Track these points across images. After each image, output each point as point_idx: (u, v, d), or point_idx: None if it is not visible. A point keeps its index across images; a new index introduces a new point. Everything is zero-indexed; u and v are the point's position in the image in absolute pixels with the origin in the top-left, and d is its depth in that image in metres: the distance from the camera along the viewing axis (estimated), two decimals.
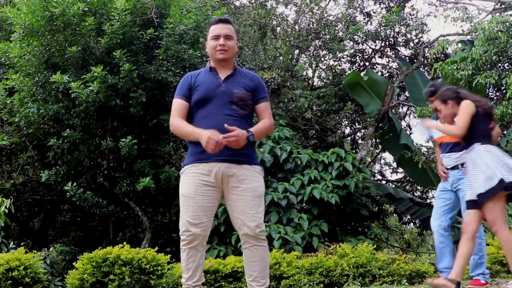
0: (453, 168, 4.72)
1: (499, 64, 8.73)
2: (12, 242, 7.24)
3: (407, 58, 12.75)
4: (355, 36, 11.88)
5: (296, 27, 11.58)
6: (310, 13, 11.58)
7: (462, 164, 4.38)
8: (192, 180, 3.24)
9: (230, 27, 3.46)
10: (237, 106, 3.31)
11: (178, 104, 3.39)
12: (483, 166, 3.79)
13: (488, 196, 3.73)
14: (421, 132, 4.45)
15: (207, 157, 3.21)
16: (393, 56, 12.85)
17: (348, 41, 12.19)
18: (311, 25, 11.66)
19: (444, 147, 4.83)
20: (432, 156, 9.73)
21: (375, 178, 14.23)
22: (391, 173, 15.35)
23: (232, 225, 3.35)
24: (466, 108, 3.97)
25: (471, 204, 3.86)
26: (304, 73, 12.70)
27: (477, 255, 4.61)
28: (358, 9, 12.90)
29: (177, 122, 3.34)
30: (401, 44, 12.64)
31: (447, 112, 4.15)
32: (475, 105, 3.98)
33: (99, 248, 6.02)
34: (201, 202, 3.21)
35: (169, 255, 6.18)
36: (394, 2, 12.87)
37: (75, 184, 8.02)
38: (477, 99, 4.11)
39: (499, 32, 7.94)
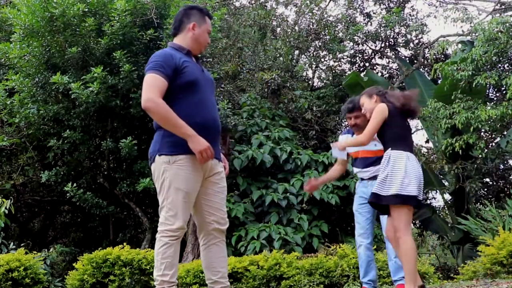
0: (370, 178, 4.64)
1: (499, 65, 8.74)
2: (12, 243, 7.24)
3: (407, 58, 12.76)
4: (355, 37, 11.90)
5: (296, 27, 11.59)
6: (310, 14, 11.58)
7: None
8: (192, 175, 3.09)
9: None
10: (213, 96, 3.38)
11: (160, 83, 3.05)
12: (397, 172, 3.75)
13: (396, 202, 3.65)
14: (337, 153, 4.57)
15: None
16: (393, 56, 12.86)
17: (348, 41, 12.20)
18: (311, 26, 11.66)
19: (361, 162, 4.74)
20: (432, 157, 9.74)
21: None
22: None
23: (199, 219, 3.25)
24: (376, 114, 3.83)
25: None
26: (304, 73, 12.71)
27: (396, 258, 4.44)
28: (358, 10, 12.91)
29: (165, 107, 3.00)
30: (401, 44, 12.65)
31: (370, 106, 3.99)
32: (389, 108, 3.82)
33: (99, 248, 6.02)
34: (194, 200, 3.17)
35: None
36: (394, 2, 12.88)
37: (75, 184, 8.02)
38: (397, 99, 3.91)
39: (499, 33, 7.94)
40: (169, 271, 3.03)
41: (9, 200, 6.42)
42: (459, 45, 9.65)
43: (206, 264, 3.24)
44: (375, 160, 4.63)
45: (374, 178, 4.49)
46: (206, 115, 3.14)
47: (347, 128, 5.24)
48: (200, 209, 3.23)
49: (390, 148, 3.79)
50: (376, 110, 3.85)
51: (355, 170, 4.87)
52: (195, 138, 2.98)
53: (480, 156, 9.08)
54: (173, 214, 3.06)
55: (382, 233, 8.32)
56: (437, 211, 12.58)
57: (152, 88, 3.07)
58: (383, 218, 4.59)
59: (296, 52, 12.11)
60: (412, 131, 4.13)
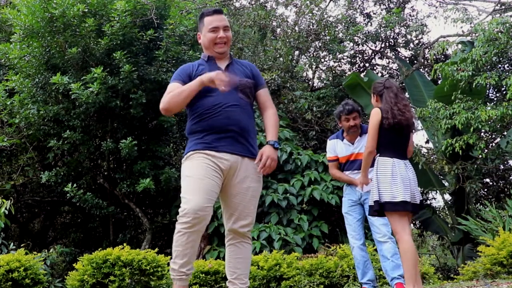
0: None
1: (499, 65, 8.74)
2: (12, 243, 7.23)
3: (407, 59, 12.77)
4: (355, 37, 11.90)
5: (296, 28, 11.58)
6: (310, 14, 11.58)
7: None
8: (201, 163, 3.07)
9: (226, 18, 3.36)
10: (243, 94, 3.22)
11: (175, 87, 3.20)
12: (383, 178, 3.76)
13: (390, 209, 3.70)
14: (366, 188, 4.24)
15: (216, 147, 3.11)
16: (393, 57, 12.86)
17: (348, 42, 12.20)
18: (311, 26, 11.66)
19: (352, 165, 4.81)
20: (432, 157, 9.73)
21: None
22: None
23: (223, 217, 3.25)
24: (371, 121, 3.89)
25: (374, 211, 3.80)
26: (304, 74, 12.72)
27: (397, 255, 4.48)
28: (358, 10, 12.92)
29: (168, 96, 3.17)
30: (401, 45, 12.66)
31: (373, 103, 4.11)
32: (382, 115, 3.86)
33: (99, 249, 6.01)
34: (209, 186, 3.03)
35: (169, 256, 6.17)
36: (394, 3, 12.88)
37: (75, 185, 8.02)
38: (391, 106, 3.93)
39: (499, 33, 7.94)
40: (179, 260, 3.00)
41: (9, 201, 6.43)
42: (459, 46, 9.65)
43: (226, 262, 3.26)
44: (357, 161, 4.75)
45: None
46: (217, 115, 3.12)
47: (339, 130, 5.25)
48: (223, 206, 3.23)
49: (378, 155, 3.82)
50: (371, 116, 3.91)
51: (346, 173, 4.90)
52: (204, 78, 3.04)
53: (480, 156, 9.08)
54: (185, 201, 3.03)
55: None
56: (437, 212, 12.59)
57: (165, 94, 3.24)
58: (372, 220, 4.60)
59: (296, 52, 12.12)
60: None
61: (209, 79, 3.00)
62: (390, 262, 4.52)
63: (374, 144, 3.88)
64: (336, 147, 5.00)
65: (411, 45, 12.64)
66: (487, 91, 9.94)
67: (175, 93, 3.15)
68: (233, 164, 3.14)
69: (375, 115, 3.90)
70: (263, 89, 3.37)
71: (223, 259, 6.66)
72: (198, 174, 3.05)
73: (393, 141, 3.88)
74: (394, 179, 3.71)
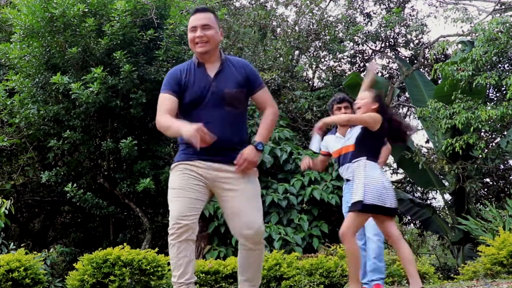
0: (348, 180, 4.57)
1: (499, 65, 8.74)
2: (12, 243, 7.23)
3: (407, 59, 12.77)
4: (355, 37, 11.90)
5: (296, 28, 11.58)
6: (310, 14, 11.58)
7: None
8: (182, 174, 3.10)
9: (208, 16, 3.17)
10: (231, 106, 3.10)
11: (167, 100, 3.10)
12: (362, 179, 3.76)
13: (355, 208, 3.72)
14: (314, 145, 4.08)
15: (198, 157, 3.08)
16: (393, 57, 12.86)
17: (348, 42, 12.20)
18: (311, 26, 11.66)
19: (345, 159, 4.68)
20: (432, 157, 9.74)
21: None
22: (391, 174, 15.34)
23: (230, 227, 3.16)
24: (370, 117, 3.85)
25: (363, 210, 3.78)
26: (304, 74, 12.72)
27: (381, 257, 4.45)
28: (358, 10, 12.92)
29: (162, 120, 3.09)
30: (401, 45, 12.66)
31: (368, 104, 3.93)
32: (382, 123, 3.83)
33: (99, 249, 6.01)
34: (191, 195, 3.05)
35: (169, 256, 6.17)
36: (394, 3, 12.88)
37: (75, 185, 8.02)
38: (390, 112, 4.02)
39: (499, 33, 7.94)
40: (176, 272, 3.02)
41: (9, 201, 6.43)
42: (459, 45, 9.65)
43: (238, 263, 3.25)
44: (345, 156, 4.64)
45: (348, 180, 4.51)
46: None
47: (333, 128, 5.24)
48: (226, 217, 3.18)
49: (365, 158, 3.82)
50: (372, 115, 3.86)
51: (340, 171, 4.83)
52: (183, 129, 2.88)
53: (480, 156, 9.08)
54: (171, 214, 3.09)
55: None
56: (437, 211, 12.58)
57: (158, 107, 3.14)
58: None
59: (296, 52, 12.11)
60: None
61: (187, 136, 2.87)
62: (372, 263, 4.50)
63: (376, 122, 3.84)
64: (329, 143, 4.94)
65: (411, 45, 12.64)
66: (487, 91, 9.93)
67: (164, 124, 3.08)
68: (217, 171, 3.10)
69: (376, 119, 3.85)
70: (260, 91, 3.24)
71: (223, 258, 6.67)
72: (179, 186, 3.10)
73: (380, 149, 3.96)
74: (381, 184, 3.75)
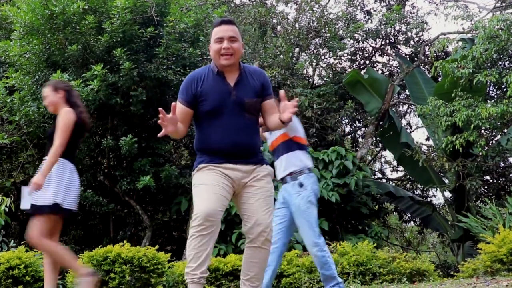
0: (282, 180, 4.27)
1: (500, 62, 8.73)
2: (12, 241, 7.24)
3: (407, 56, 12.75)
4: (355, 34, 11.88)
5: (297, 25, 11.57)
6: (311, 11, 11.56)
7: (292, 176, 4.15)
8: (211, 172, 3.14)
9: (234, 29, 3.23)
10: (249, 113, 3.19)
11: (178, 110, 3.18)
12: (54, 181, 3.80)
13: (40, 212, 3.74)
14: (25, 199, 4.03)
15: (225, 161, 3.16)
16: (394, 54, 12.84)
17: (349, 39, 12.18)
18: (311, 23, 11.65)
19: (275, 152, 4.38)
20: (432, 155, 9.73)
21: (376, 177, 14.24)
22: (392, 171, 15.40)
23: (242, 224, 3.24)
24: (66, 119, 3.84)
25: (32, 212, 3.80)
26: (305, 71, 12.70)
27: (322, 269, 4.18)
28: (359, 7, 12.89)
29: None
30: (402, 42, 12.63)
31: (54, 99, 4.02)
32: (76, 114, 3.88)
33: (99, 246, 6.02)
34: (220, 191, 3.09)
35: (169, 254, 6.19)
36: (395, 0, 12.86)
37: None
38: (80, 104, 4.04)
39: (500, 30, 7.93)
40: (192, 264, 3.03)
41: (10, 198, 6.44)
42: (460, 43, 9.64)
43: (242, 262, 3.28)
44: (276, 150, 4.32)
45: (284, 180, 4.25)
46: (223, 140, 3.15)
47: None
48: (240, 214, 3.25)
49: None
50: (63, 115, 3.88)
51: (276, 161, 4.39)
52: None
53: (480, 154, 9.08)
54: (196, 207, 3.09)
55: (382, 231, 8.36)
56: (438, 209, 12.59)
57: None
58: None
59: (297, 49, 12.10)
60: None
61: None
62: (321, 274, 4.25)
63: (64, 146, 3.85)
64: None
65: (412, 42, 12.62)
66: (488, 89, 9.92)
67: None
68: (242, 172, 3.18)
69: (69, 113, 3.86)
70: (270, 100, 3.32)
71: (224, 256, 6.68)
72: (208, 182, 3.12)
73: (77, 144, 4.02)
74: (72, 185, 3.86)
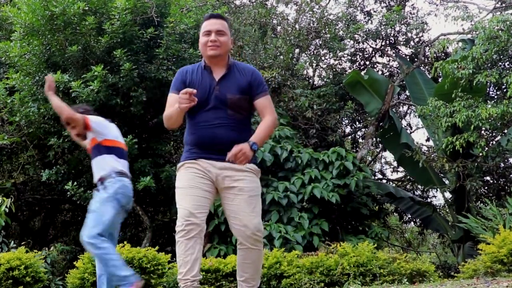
0: (95, 186, 4.28)
1: (500, 63, 8.73)
2: (12, 242, 7.25)
3: (407, 57, 12.74)
4: (355, 35, 11.88)
5: (297, 26, 11.57)
6: (311, 12, 11.57)
7: (101, 181, 4.16)
8: (188, 173, 3.17)
9: (223, 23, 3.31)
10: (233, 110, 3.19)
11: (171, 98, 3.27)
12: None
13: None
14: None
15: (203, 157, 3.17)
16: (394, 55, 12.84)
17: (349, 40, 12.18)
18: (311, 24, 11.65)
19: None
20: (433, 155, 9.73)
21: (376, 177, 14.24)
22: (392, 172, 15.36)
23: (229, 227, 3.21)
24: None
25: None
26: (305, 72, 12.70)
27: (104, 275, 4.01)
28: (359, 8, 12.88)
29: (165, 114, 3.23)
30: (402, 43, 12.63)
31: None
32: None
33: None
34: (198, 193, 3.10)
35: (169, 255, 6.19)
36: (395, 1, 12.86)
37: (75, 183, 8.02)
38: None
39: (500, 31, 7.93)
40: (182, 269, 3.04)
41: (10, 199, 6.43)
42: (460, 44, 9.64)
43: (237, 264, 3.28)
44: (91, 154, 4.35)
45: (96, 185, 4.21)
46: (203, 133, 3.17)
47: None
48: (227, 216, 3.24)
49: None
50: None
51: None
52: (176, 105, 3.06)
53: (480, 154, 9.07)
54: (179, 212, 3.10)
55: (382, 232, 8.36)
56: (438, 210, 12.59)
57: (166, 107, 3.27)
58: None
59: (297, 50, 12.10)
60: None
61: (179, 106, 3.03)
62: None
63: None
64: None
65: (412, 43, 12.62)
66: (488, 89, 9.92)
67: (166, 116, 3.23)
68: (221, 169, 3.17)
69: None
70: (262, 98, 3.28)
71: (224, 257, 6.68)
72: (186, 185, 3.15)
73: None
74: None
